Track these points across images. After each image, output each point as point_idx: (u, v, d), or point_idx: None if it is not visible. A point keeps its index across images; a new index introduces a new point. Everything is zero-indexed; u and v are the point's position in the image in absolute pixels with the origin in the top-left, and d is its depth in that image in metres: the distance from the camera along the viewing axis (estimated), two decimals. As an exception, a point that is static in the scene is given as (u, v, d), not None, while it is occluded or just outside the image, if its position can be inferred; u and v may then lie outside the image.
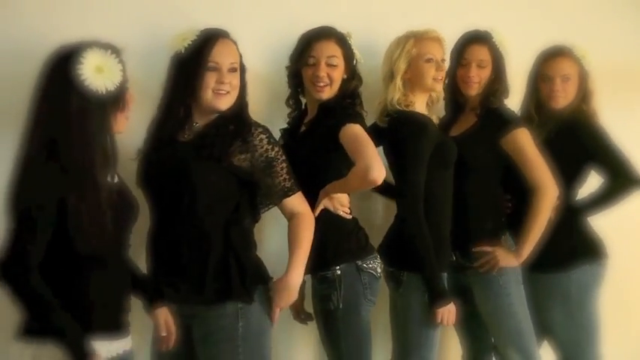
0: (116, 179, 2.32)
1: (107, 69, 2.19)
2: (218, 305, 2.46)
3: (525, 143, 3.08)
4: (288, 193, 2.54)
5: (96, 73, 2.17)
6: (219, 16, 2.59)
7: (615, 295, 3.36)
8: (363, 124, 2.78)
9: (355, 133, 2.71)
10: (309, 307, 3.02)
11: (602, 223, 3.25)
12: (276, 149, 2.52)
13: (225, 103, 2.52)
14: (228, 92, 2.52)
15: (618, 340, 3.44)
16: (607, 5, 3.69)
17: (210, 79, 2.50)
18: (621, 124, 3.33)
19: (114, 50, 2.22)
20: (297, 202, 2.57)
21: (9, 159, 2.20)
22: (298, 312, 3.09)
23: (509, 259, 3.07)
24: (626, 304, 3.69)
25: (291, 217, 2.59)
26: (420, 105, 3.04)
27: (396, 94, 2.98)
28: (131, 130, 2.38)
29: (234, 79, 2.53)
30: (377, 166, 2.60)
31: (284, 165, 2.53)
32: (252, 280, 2.50)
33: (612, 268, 3.23)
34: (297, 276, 2.55)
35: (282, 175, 2.52)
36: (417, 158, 2.85)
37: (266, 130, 2.54)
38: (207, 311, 2.47)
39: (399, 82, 2.99)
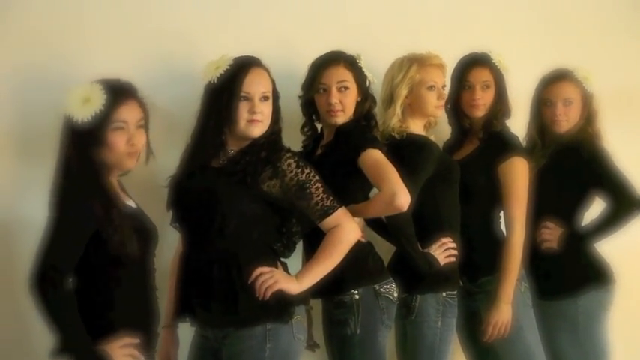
0: (133, 205, 2.45)
1: (93, 98, 2.29)
2: (249, 326, 2.46)
3: (516, 175, 3.07)
4: (328, 212, 2.51)
5: (82, 105, 2.28)
6: (226, 47, 2.61)
7: (624, 320, 3.34)
8: (382, 149, 2.76)
9: (376, 159, 2.71)
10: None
11: (610, 247, 3.23)
12: (307, 171, 2.51)
13: (258, 130, 2.54)
14: (260, 121, 2.53)
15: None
16: (611, 26, 3.73)
17: (243, 110, 2.51)
18: (627, 145, 3.35)
19: (108, 83, 2.33)
20: (339, 218, 2.53)
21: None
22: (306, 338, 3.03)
23: (505, 312, 3.03)
24: (635, 329, 3.64)
25: None
26: (418, 128, 3.04)
27: (393, 120, 2.98)
28: (159, 157, 2.50)
29: (266, 108, 2.55)
30: (403, 193, 2.61)
31: (318, 185, 2.51)
32: (283, 302, 2.48)
33: (620, 293, 3.21)
34: (296, 285, 2.49)
35: (318, 196, 2.50)
36: (413, 174, 2.77)
37: (294, 155, 2.55)
38: (237, 332, 2.47)
39: (398, 109, 2.98)
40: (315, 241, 2.61)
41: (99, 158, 2.34)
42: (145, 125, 2.43)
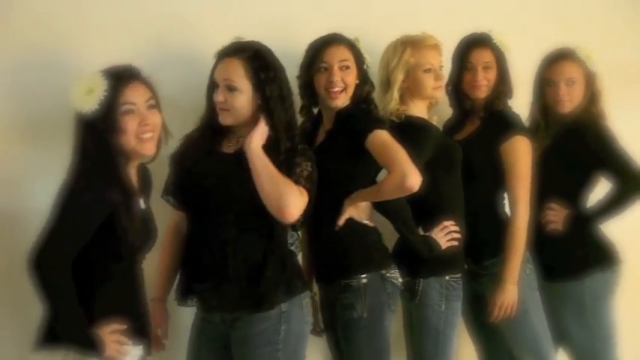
0: (143, 206, 2.41)
1: (96, 87, 2.25)
2: (265, 309, 2.47)
3: (519, 154, 3.04)
4: (298, 182, 2.48)
5: (86, 96, 2.24)
6: (224, 30, 2.61)
7: (630, 301, 3.32)
8: (388, 130, 2.73)
9: (384, 140, 2.68)
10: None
11: (615, 228, 3.20)
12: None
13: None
14: (227, 110, 2.52)
15: (635, 347, 3.38)
16: (614, 3, 3.69)
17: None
18: (632, 125, 3.33)
19: (108, 70, 2.30)
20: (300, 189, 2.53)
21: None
22: (314, 324, 3.00)
23: (511, 293, 3.00)
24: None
25: None
26: (420, 110, 3.01)
27: (392, 104, 2.95)
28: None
29: (232, 97, 2.51)
30: (413, 173, 2.60)
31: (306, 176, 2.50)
32: (296, 284, 2.52)
33: (626, 274, 3.19)
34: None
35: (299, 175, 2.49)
36: (410, 156, 2.70)
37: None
38: (250, 314, 2.48)
39: (395, 93, 2.95)
40: (315, 225, 2.68)
41: (116, 146, 2.29)
42: (156, 105, 2.37)
